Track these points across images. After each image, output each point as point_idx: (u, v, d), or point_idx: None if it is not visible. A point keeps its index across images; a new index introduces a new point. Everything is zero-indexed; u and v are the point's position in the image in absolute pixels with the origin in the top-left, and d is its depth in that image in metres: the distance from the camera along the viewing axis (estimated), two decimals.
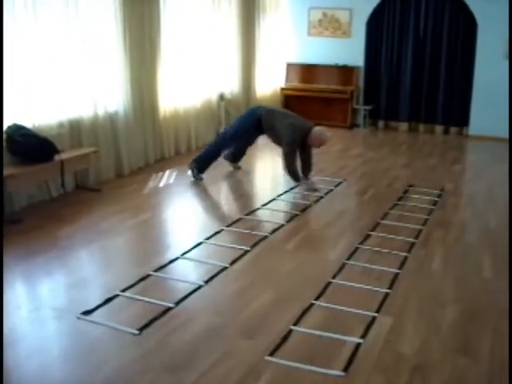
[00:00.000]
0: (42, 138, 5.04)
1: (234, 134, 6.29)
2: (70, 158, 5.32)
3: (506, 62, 8.62)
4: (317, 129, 5.88)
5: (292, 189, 6.00)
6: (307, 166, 6.12)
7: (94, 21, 5.74)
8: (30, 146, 4.89)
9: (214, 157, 6.38)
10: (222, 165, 6.61)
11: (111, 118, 6.17)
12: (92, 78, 5.79)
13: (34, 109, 5.19)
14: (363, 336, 3.08)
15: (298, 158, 6.04)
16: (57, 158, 5.14)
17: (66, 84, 5.53)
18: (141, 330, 3.10)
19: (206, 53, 7.78)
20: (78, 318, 3.22)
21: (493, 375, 2.78)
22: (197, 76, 7.65)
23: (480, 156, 8.17)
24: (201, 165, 6.28)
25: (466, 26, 8.99)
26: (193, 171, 6.26)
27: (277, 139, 6.06)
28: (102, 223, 4.82)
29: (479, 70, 8.95)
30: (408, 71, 9.54)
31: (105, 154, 6.06)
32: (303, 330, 3.15)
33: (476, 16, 8.80)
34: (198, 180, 6.22)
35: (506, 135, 8.58)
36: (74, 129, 5.70)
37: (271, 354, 2.89)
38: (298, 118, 6.07)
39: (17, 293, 3.60)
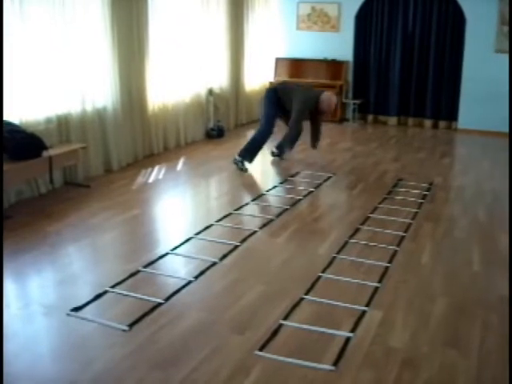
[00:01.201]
0: (29, 133, 5.01)
1: (263, 120, 6.60)
2: (59, 154, 5.28)
3: (495, 56, 8.66)
4: (325, 93, 6.46)
5: (282, 183, 6.01)
6: (316, 136, 6.72)
7: (81, 16, 5.68)
8: (18, 142, 4.85)
9: (260, 146, 6.60)
10: (213, 161, 6.59)
11: (100, 114, 6.13)
12: (80, 73, 5.75)
13: (22, 104, 5.15)
14: (353, 330, 3.09)
15: (308, 130, 6.57)
16: (45, 154, 5.10)
17: (54, 79, 5.49)
18: (130, 326, 3.09)
19: (194, 47, 7.75)
20: (68, 315, 3.21)
21: (482, 368, 2.79)
22: (185, 71, 7.62)
23: (469, 150, 8.21)
24: (249, 154, 6.47)
25: (455, 21, 9.02)
26: (237, 162, 6.43)
27: (290, 105, 6.44)
28: (91, 219, 4.80)
29: (468, 64, 8.98)
30: (397, 65, 9.56)
31: (93, 150, 6.03)
32: (293, 324, 3.16)
33: (464, 10, 8.83)
34: (242, 171, 6.40)
35: (494, 129, 8.68)
36: (62, 124, 5.67)
37: (261, 349, 2.89)
38: (309, 89, 6.69)
39: (6, 290, 3.57)
